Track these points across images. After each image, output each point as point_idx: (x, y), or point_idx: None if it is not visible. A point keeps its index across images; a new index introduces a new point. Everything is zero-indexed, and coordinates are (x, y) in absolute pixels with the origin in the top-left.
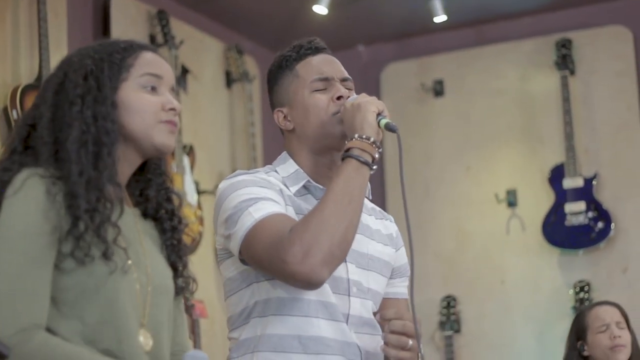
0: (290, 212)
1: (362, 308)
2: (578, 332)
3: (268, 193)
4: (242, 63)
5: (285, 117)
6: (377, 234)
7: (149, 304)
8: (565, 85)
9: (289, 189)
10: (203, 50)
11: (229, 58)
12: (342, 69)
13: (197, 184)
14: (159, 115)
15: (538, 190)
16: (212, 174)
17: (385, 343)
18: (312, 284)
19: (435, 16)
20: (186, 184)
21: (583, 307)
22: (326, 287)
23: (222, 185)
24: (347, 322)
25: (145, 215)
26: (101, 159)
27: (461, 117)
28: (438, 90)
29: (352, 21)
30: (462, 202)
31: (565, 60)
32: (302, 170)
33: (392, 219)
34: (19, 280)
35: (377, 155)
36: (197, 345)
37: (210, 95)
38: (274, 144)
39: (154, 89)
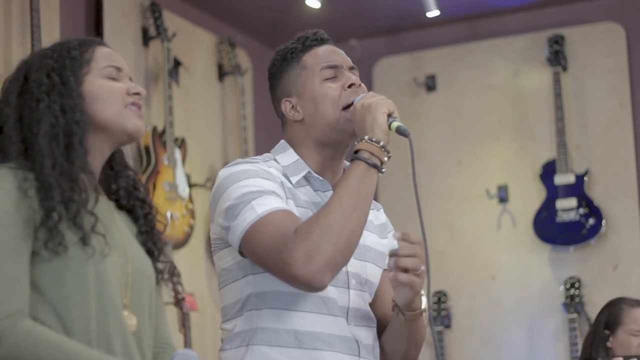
0: (290, 206)
1: (361, 300)
2: (609, 323)
3: (271, 185)
4: (234, 56)
5: (293, 107)
6: (371, 225)
7: (130, 287)
8: (557, 82)
9: (289, 179)
10: (195, 43)
11: (221, 51)
12: (348, 58)
13: (188, 177)
14: (125, 100)
15: (529, 186)
16: (203, 167)
17: (397, 267)
18: (314, 288)
19: (428, 11)
20: (178, 177)
21: (623, 298)
22: None
23: (223, 173)
24: (347, 315)
25: (119, 208)
26: (73, 149)
27: (453, 112)
28: (430, 85)
29: (344, 15)
30: (453, 197)
31: (557, 57)
32: (302, 161)
33: (381, 208)
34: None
35: (385, 159)
36: (187, 338)
37: (203, 88)
38: (266, 137)
39: (115, 80)
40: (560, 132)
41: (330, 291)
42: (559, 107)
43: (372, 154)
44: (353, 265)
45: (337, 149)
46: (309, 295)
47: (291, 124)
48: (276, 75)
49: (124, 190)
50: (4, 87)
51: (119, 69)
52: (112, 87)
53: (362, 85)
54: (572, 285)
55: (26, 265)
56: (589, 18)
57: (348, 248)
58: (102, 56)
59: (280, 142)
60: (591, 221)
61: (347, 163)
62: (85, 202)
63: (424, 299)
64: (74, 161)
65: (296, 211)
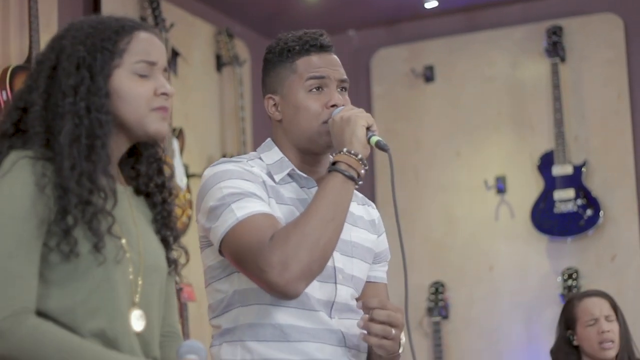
0: (272, 205)
1: (347, 295)
2: (567, 322)
3: (251, 187)
4: (232, 46)
5: (275, 105)
6: (360, 220)
7: (141, 283)
8: (555, 73)
9: (273, 177)
10: (193, 33)
11: (219, 41)
12: (342, 70)
13: (186, 167)
14: (151, 103)
15: (527, 177)
16: (201, 157)
17: (368, 332)
18: (288, 296)
19: (426, 2)
20: (175, 168)
21: (573, 294)
22: None
23: (207, 172)
24: (331, 309)
25: (137, 192)
26: (95, 151)
27: (451, 103)
28: (428, 76)
29: (342, 6)
30: (452, 188)
31: (555, 48)
32: (286, 158)
33: (374, 205)
34: (9, 263)
35: (362, 172)
36: (185, 328)
37: (201, 79)
38: (264, 128)
39: (146, 76)
40: (559, 123)
41: (315, 286)
42: (557, 98)
43: (349, 166)
44: (340, 260)
45: (314, 157)
46: None
47: (274, 122)
48: (269, 67)
49: (144, 174)
50: (37, 60)
51: (152, 64)
52: (140, 88)
53: (347, 104)
54: (570, 276)
55: (36, 263)
56: (587, 9)
57: (323, 257)
58: (138, 47)
59: (267, 140)
60: (589, 212)
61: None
62: (103, 205)
63: (402, 338)
64: (95, 163)
65: (278, 209)
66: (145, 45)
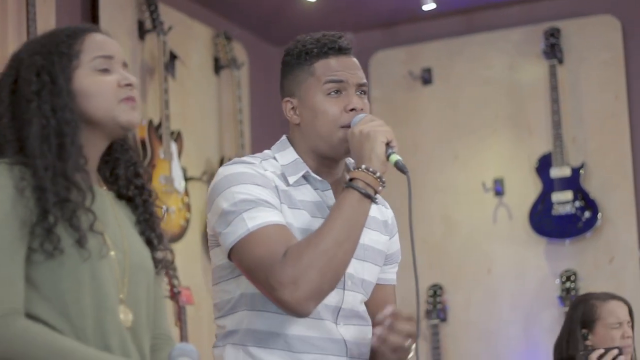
0: (284, 210)
1: (355, 301)
2: (585, 321)
3: (264, 194)
4: (230, 49)
5: (293, 108)
6: (374, 221)
7: (127, 281)
8: (553, 74)
9: (287, 179)
10: (191, 36)
11: (217, 44)
12: (361, 74)
13: (184, 170)
14: (117, 95)
15: (525, 179)
16: (199, 160)
17: (383, 340)
18: (298, 315)
19: (424, 4)
20: (174, 171)
21: (589, 294)
22: None
23: (221, 172)
24: (337, 315)
25: (119, 196)
26: (65, 149)
27: (449, 105)
28: (426, 78)
29: (340, 8)
30: (450, 190)
31: (553, 49)
32: (301, 160)
33: (388, 205)
34: None
35: (380, 189)
36: (183, 332)
37: (199, 82)
38: (262, 131)
39: (106, 70)
40: (556, 125)
41: None
42: (555, 100)
43: (367, 184)
44: (351, 265)
45: (331, 160)
46: None
47: (292, 125)
48: (287, 69)
49: (123, 178)
50: None
51: (109, 57)
52: (103, 83)
53: (365, 109)
54: (568, 278)
55: (21, 264)
56: (585, 11)
57: (335, 278)
58: (92, 46)
59: (282, 138)
60: (587, 214)
61: (349, 160)
62: (82, 201)
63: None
64: (67, 160)
65: (291, 214)
66: (99, 43)
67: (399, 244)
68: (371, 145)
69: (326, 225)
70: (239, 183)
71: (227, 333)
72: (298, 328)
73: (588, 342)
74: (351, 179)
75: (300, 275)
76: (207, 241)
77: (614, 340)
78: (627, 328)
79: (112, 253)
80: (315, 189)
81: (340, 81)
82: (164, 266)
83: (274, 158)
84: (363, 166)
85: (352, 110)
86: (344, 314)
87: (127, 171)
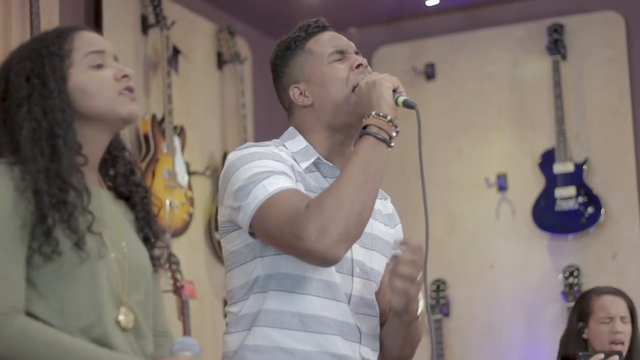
0: (301, 189)
1: (364, 289)
2: (581, 314)
3: (281, 167)
4: (233, 44)
5: (302, 92)
6: (379, 214)
7: (127, 283)
8: (556, 70)
9: (299, 164)
10: (195, 31)
11: (220, 39)
12: (351, 43)
13: (187, 165)
14: (115, 87)
15: (528, 174)
16: (202, 155)
17: (394, 273)
18: (328, 262)
19: (428, 0)
20: (177, 165)
21: (592, 288)
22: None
23: (233, 156)
24: (348, 303)
25: (119, 196)
26: (58, 150)
27: (452, 101)
28: (430, 73)
29: (344, 3)
30: (453, 185)
31: (557, 45)
32: (311, 147)
33: (389, 198)
34: None
35: (394, 134)
36: (186, 326)
37: (202, 77)
38: (265, 126)
39: (101, 66)
40: (560, 121)
41: (335, 276)
42: (558, 96)
43: (380, 128)
44: (359, 253)
45: (346, 134)
46: (314, 279)
47: (300, 110)
48: (280, 65)
49: (121, 176)
50: None
51: (101, 52)
52: (100, 78)
53: (369, 67)
54: (571, 274)
55: (22, 263)
56: (588, 7)
57: (360, 221)
58: (82, 43)
59: (288, 129)
60: (590, 210)
61: None
62: (79, 202)
63: (421, 303)
64: (60, 161)
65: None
66: (89, 39)
67: (402, 233)
68: (378, 92)
69: (344, 172)
70: (255, 159)
71: (241, 317)
72: (314, 308)
73: (584, 336)
74: (364, 127)
75: (325, 221)
76: (211, 236)
77: (603, 335)
78: (618, 323)
79: (112, 255)
80: (324, 177)
81: (342, 51)
82: (162, 264)
83: (284, 146)
84: (373, 112)
85: (358, 66)
86: (355, 302)
87: (125, 169)
